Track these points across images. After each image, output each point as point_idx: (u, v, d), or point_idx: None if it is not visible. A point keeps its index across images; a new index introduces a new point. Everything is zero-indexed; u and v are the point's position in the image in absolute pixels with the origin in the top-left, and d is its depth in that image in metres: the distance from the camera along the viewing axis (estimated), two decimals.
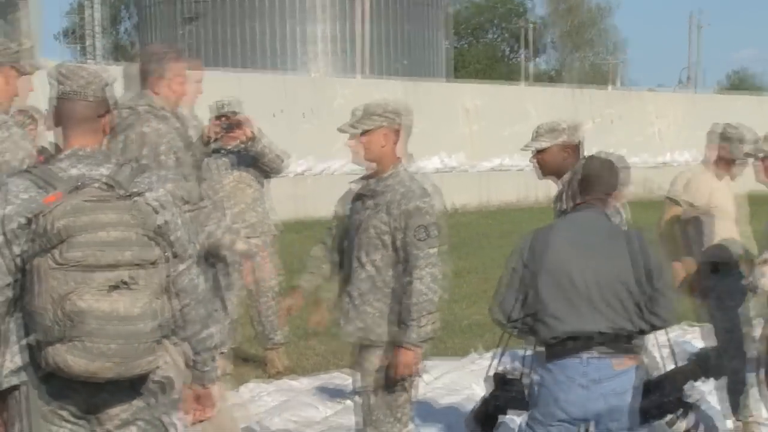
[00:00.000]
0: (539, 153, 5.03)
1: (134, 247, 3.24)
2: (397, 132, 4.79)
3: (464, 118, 27.42)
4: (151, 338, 3.27)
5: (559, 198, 4.68)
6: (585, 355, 4.30)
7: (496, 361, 4.60)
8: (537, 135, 5.05)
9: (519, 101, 28.12)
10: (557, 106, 28.93)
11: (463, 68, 71.98)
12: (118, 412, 3.39)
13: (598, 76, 71.20)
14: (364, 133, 4.76)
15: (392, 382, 4.77)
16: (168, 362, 3.42)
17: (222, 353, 4.62)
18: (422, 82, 29.28)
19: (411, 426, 4.97)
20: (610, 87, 40.95)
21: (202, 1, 44.10)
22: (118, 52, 63.74)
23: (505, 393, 4.43)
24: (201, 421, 3.68)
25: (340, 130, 4.84)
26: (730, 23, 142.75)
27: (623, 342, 4.35)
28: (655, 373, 4.41)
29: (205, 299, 3.52)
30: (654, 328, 4.41)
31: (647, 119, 32.05)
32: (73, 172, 3.38)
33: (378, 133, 4.76)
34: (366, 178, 4.87)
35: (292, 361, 8.50)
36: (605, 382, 4.31)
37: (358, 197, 4.85)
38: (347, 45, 43.00)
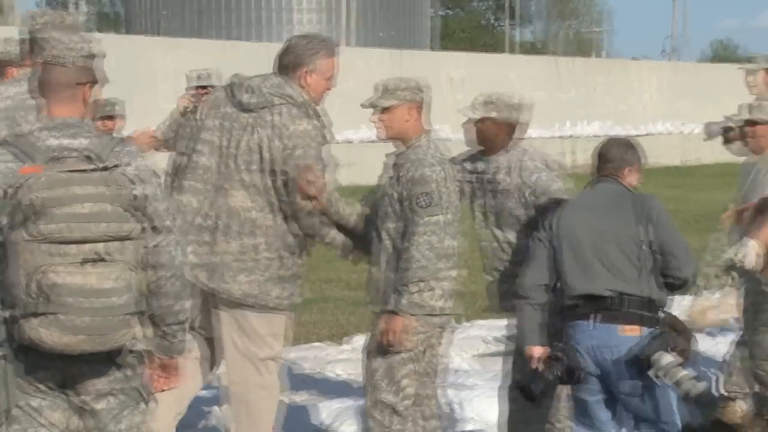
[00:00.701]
0: (476, 122, 5.07)
1: (109, 220, 3.23)
2: (419, 106, 4.85)
3: (448, 88, 27.45)
4: (125, 311, 3.25)
5: None
6: (593, 319, 4.53)
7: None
8: (472, 105, 5.11)
9: (503, 71, 28.14)
10: (541, 75, 28.98)
11: (448, 37, 71.81)
12: (95, 383, 3.40)
13: (584, 46, 71.15)
14: (386, 110, 4.82)
15: (382, 347, 4.77)
16: (143, 335, 3.42)
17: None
18: (407, 51, 29.26)
19: (434, 422, 4.91)
20: (593, 56, 41.09)
21: None
22: (102, 22, 63.32)
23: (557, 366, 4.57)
24: (164, 390, 3.67)
25: (363, 106, 4.90)
26: None
27: (633, 307, 4.51)
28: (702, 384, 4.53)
29: (182, 272, 3.50)
30: (672, 288, 4.59)
31: (630, 88, 32.10)
32: (52, 142, 3.34)
33: (401, 108, 4.82)
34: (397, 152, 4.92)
35: None
36: (610, 347, 4.52)
37: (390, 168, 4.92)
38: (332, 15, 42.83)
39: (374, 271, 4.90)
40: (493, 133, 5.05)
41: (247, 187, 4.75)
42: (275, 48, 5.36)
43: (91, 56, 3.49)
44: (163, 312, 3.50)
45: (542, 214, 4.81)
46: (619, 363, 4.52)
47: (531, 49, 66.92)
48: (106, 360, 3.39)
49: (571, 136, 28.56)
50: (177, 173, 4.87)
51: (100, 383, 3.40)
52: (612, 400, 4.66)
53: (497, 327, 7.92)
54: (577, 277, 4.57)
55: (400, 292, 4.70)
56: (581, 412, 4.74)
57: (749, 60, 7.45)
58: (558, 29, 75.68)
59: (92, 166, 3.27)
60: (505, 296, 5.08)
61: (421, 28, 51.08)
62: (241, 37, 39.16)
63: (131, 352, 3.43)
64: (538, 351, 4.62)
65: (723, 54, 78.78)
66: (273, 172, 4.72)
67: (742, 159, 6.09)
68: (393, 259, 4.80)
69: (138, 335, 3.37)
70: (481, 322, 8.73)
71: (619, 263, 4.54)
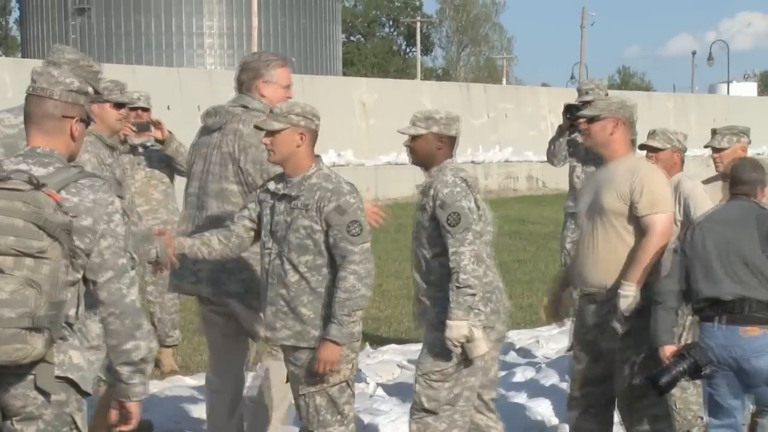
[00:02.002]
0: (413, 139, 5.07)
1: (18, 235, 3.24)
2: (310, 132, 4.77)
3: (360, 113, 27.50)
4: (16, 324, 3.22)
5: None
6: (717, 321, 5.05)
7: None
8: (413, 122, 5.08)
9: (415, 96, 28.28)
10: (453, 101, 29.19)
11: (359, 62, 72.10)
12: (14, 403, 3.37)
13: (493, 72, 71.98)
14: (272, 134, 4.72)
15: (318, 375, 4.73)
16: (67, 362, 3.40)
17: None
18: (318, 76, 29.26)
19: (352, 426, 4.90)
20: (504, 81, 41.57)
21: None
22: (7, 44, 62.34)
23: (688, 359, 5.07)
24: None
25: (257, 127, 4.81)
26: (616, 21, 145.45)
27: (753, 311, 4.99)
28: None
29: (132, 311, 3.48)
30: None
31: (540, 114, 32.52)
32: (10, 166, 3.42)
33: (288, 132, 4.71)
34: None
35: (184, 357, 8.43)
36: (734, 346, 5.02)
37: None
38: (243, 40, 42.73)
39: (281, 303, 4.83)
40: (435, 147, 5.04)
41: (224, 196, 5.15)
42: (186, 72, 5.46)
43: (82, 92, 3.53)
44: (112, 351, 3.51)
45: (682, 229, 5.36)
46: (746, 359, 5.03)
47: (443, 75, 67.50)
48: (17, 378, 3.35)
49: (483, 162, 28.79)
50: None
51: (21, 404, 3.37)
52: (738, 392, 5.13)
53: (412, 351, 7.92)
54: (703, 283, 5.06)
55: (337, 321, 4.65)
56: (712, 404, 5.19)
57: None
58: (469, 56, 76.48)
59: (26, 187, 3.29)
60: (419, 315, 5.10)
61: (332, 53, 51.22)
62: (151, 61, 38.87)
63: (57, 377, 3.39)
64: (669, 349, 5.06)
65: (629, 81, 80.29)
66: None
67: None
68: (310, 291, 4.75)
69: (50, 357, 3.34)
70: (396, 346, 8.72)
71: (741, 271, 5.03)
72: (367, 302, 4.76)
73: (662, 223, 5.12)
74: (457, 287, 4.82)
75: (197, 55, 44.06)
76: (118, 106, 5.48)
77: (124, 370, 3.52)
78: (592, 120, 5.26)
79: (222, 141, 5.17)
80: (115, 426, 3.61)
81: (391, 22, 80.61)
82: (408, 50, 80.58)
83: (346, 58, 65.94)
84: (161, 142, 7.53)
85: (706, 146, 6.59)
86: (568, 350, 6.31)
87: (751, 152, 6.30)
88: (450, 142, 5.06)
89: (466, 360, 4.92)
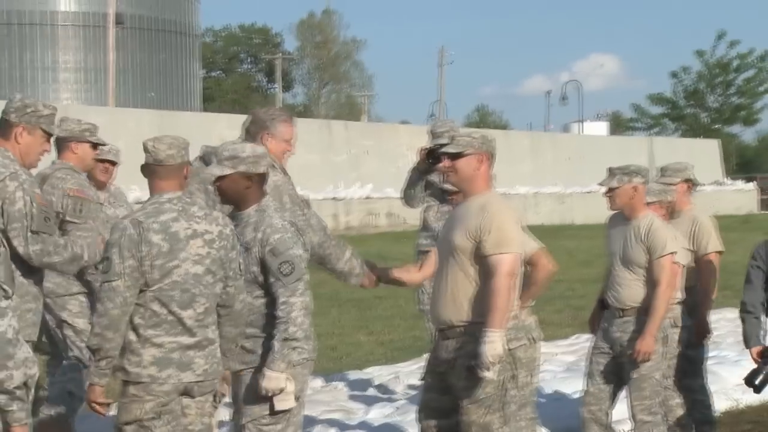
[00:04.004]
0: (219, 180, 4.91)
1: None
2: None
3: None
4: None
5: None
6: None
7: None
8: (218, 161, 4.95)
9: None
10: (313, 138, 29.25)
11: (219, 98, 71.74)
12: None
13: (354, 109, 72.44)
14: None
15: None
16: None
17: None
18: (178, 112, 28.99)
19: None
20: (365, 119, 41.92)
21: None
22: None
23: None
24: None
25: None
26: (474, 61, 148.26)
27: None
28: None
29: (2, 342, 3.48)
30: None
31: (399, 151, 32.81)
32: None
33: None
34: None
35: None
36: None
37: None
38: (100, 74, 42.12)
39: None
40: (243, 186, 4.92)
41: None
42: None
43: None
44: None
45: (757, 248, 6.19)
46: None
47: (304, 111, 67.61)
48: None
49: (344, 198, 28.89)
50: None
51: None
52: None
53: None
54: None
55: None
56: None
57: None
58: (330, 93, 76.83)
59: None
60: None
61: (192, 89, 50.85)
62: (5, 96, 37.98)
63: None
64: (757, 350, 6.00)
65: (487, 119, 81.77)
66: None
67: None
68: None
69: None
70: None
71: None
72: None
73: (509, 263, 4.99)
74: (284, 339, 4.77)
75: (52, 90, 43.26)
76: (95, 147, 6.34)
77: (1, 398, 3.51)
78: (456, 156, 5.23)
79: None
80: None
81: (251, 59, 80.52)
82: (268, 87, 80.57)
83: (206, 93, 65.53)
84: None
85: (656, 182, 6.84)
86: (421, 379, 6.36)
87: (603, 190, 6.45)
88: (260, 180, 4.95)
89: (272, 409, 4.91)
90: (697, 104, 53.05)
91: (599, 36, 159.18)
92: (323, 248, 5.56)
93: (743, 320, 6.11)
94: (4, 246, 3.67)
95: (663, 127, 55.09)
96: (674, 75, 53.11)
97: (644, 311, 6.20)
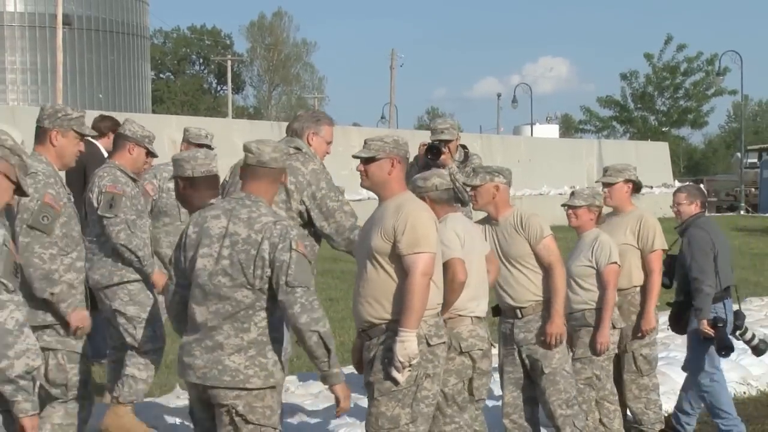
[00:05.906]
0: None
1: None
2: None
3: (170, 151, 27.15)
4: None
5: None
6: (727, 300, 7.10)
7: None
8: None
9: (227, 134, 28.11)
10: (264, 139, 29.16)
11: (169, 100, 71.37)
12: None
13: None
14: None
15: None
16: None
17: None
18: (127, 113, 28.77)
19: None
20: None
21: None
22: None
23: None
24: None
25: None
26: (424, 63, 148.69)
27: None
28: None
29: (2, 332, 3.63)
30: None
31: (351, 153, 32.84)
32: None
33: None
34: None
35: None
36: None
37: None
38: (48, 75, 41.76)
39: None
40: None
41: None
42: None
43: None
44: None
45: None
46: None
47: (255, 113, 67.46)
48: None
49: None
50: None
51: None
52: None
53: None
54: (723, 272, 7.06)
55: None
56: None
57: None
58: (280, 95, 76.71)
59: None
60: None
61: (141, 90, 50.53)
62: None
63: None
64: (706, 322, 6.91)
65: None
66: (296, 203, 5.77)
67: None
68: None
69: None
70: None
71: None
72: None
73: (423, 263, 5.00)
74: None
75: None
76: (148, 154, 6.78)
77: (5, 388, 3.65)
78: (368, 161, 5.29)
79: None
80: None
81: (201, 60, 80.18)
82: (219, 89, 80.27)
83: (156, 95, 65.17)
84: None
85: (597, 182, 7.09)
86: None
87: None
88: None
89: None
90: (646, 107, 53.42)
91: (550, 40, 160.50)
92: (354, 233, 5.84)
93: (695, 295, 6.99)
94: (6, 244, 3.77)
95: (612, 130, 55.48)
96: (623, 77, 53.46)
97: (546, 304, 6.12)
